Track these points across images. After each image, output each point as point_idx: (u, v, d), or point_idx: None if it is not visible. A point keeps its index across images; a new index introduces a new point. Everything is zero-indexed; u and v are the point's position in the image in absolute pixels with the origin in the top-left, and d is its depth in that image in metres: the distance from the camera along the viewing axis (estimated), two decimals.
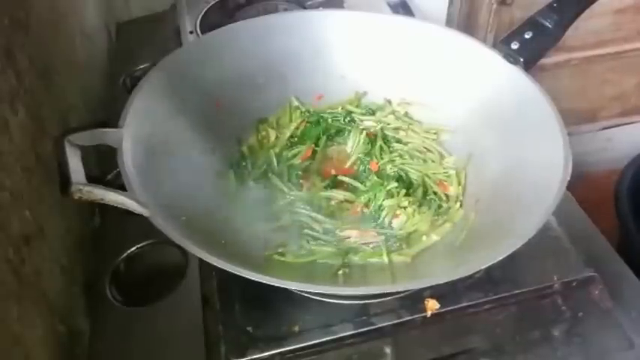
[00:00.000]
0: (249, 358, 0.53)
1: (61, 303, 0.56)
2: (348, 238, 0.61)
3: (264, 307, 0.57)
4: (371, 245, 0.60)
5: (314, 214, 0.62)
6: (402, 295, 0.56)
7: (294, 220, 0.62)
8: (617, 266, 0.62)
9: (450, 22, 1.14)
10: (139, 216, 0.49)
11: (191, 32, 0.92)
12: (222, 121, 0.68)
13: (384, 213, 0.62)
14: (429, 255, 0.59)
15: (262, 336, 0.55)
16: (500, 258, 0.48)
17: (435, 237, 0.60)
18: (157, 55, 0.67)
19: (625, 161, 1.16)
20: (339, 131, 0.72)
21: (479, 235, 0.57)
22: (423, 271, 0.59)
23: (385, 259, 0.58)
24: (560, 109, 0.59)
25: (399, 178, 0.65)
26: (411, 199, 0.63)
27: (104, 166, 0.63)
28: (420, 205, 0.63)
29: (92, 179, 0.51)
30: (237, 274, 0.46)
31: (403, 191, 0.63)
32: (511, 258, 0.47)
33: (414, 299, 0.56)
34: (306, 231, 0.61)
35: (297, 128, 0.72)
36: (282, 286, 0.48)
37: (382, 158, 0.68)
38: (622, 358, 0.55)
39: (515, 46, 0.64)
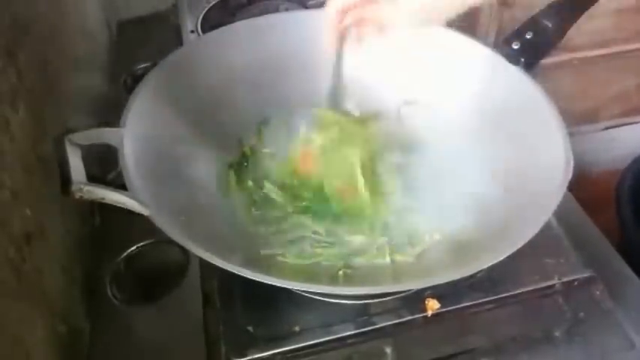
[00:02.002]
0: (249, 357, 0.53)
1: (61, 302, 0.56)
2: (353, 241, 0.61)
3: (265, 306, 0.57)
4: (375, 246, 0.60)
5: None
6: (402, 294, 0.57)
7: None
8: (618, 266, 0.62)
9: (450, 22, 1.14)
10: (140, 215, 0.49)
11: (192, 31, 0.92)
12: (224, 120, 0.68)
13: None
14: (431, 255, 0.59)
15: (263, 335, 0.55)
16: (501, 258, 0.48)
17: (437, 236, 0.60)
18: (158, 54, 0.67)
19: (626, 161, 1.16)
20: None
21: (480, 235, 0.57)
22: (424, 270, 0.59)
23: (388, 259, 0.58)
24: (561, 109, 0.59)
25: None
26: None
27: (105, 166, 0.63)
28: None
29: (93, 179, 0.51)
30: (238, 273, 0.46)
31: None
32: (512, 258, 0.47)
33: (414, 299, 0.56)
34: (308, 234, 0.61)
35: None
36: (283, 285, 0.48)
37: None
38: (623, 358, 0.55)
39: (516, 46, 0.64)
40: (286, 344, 0.54)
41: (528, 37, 0.64)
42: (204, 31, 0.91)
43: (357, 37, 0.61)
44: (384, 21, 0.57)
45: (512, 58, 0.64)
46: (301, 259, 0.58)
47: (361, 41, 0.61)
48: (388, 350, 0.55)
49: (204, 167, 0.65)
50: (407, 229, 0.61)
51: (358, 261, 0.58)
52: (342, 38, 0.62)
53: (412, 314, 0.56)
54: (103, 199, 0.50)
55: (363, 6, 0.57)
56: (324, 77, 0.74)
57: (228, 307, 0.57)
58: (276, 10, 0.95)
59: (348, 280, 0.56)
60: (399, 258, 0.58)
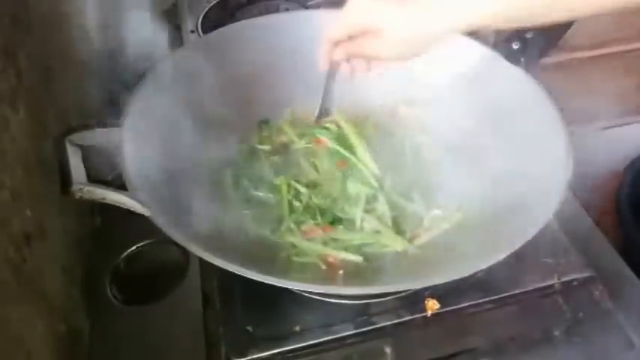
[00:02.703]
0: (249, 357, 0.53)
1: (61, 302, 0.56)
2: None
3: (264, 306, 0.57)
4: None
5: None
6: (402, 294, 0.57)
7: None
8: (618, 266, 0.62)
9: None
10: (140, 215, 0.50)
11: (192, 32, 0.92)
12: (223, 120, 0.68)
13: None
14: (430, 255, 0.59)
15: (263, 335, 0.55)
16: (501, 258, 0.48)
17: (437, 236, 0.60)
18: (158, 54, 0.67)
19: (626, 161, 1.16)
20: None
21: (480, 235, 0.57)
22: (424, 270, 0.59)
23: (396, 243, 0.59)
24: (561, 109, 0.59)
25: None
26: None
27: (105, 166, 0.63)
28: None
29: (93, 179, 0.51)
30: (238, 273, 0.46)
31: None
32: (511, 258, 0.47)
33: (414, 299, 0.57)
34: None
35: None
36: (283, 285, 0.48)
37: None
38: (622, 358, 0.55)
39: (516, 46, 0.64)
40: (286, 344, 0.54)
41: (528, 36, 0.64)
42: (204, 31, 0.91)
43: (348, 72, 0.61)
44: (371, 55, 0.56)
45: (513, 57, 0.64)
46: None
47: (352, 76, 0.61)
48: (388, 350, 0.55)
49: (204, 167, 0.65)
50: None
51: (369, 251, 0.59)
52: (334, 67, 0.61)
53: (412, 314, 0.56)
54: (104, 199, 0.50)
55: (353, 40, 0.56)
56: (323, 77, 0.74)
57: (228, 307, 0.58)
58: (276, 10, 0.95)
59: (348, 279, 0.56)
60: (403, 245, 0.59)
